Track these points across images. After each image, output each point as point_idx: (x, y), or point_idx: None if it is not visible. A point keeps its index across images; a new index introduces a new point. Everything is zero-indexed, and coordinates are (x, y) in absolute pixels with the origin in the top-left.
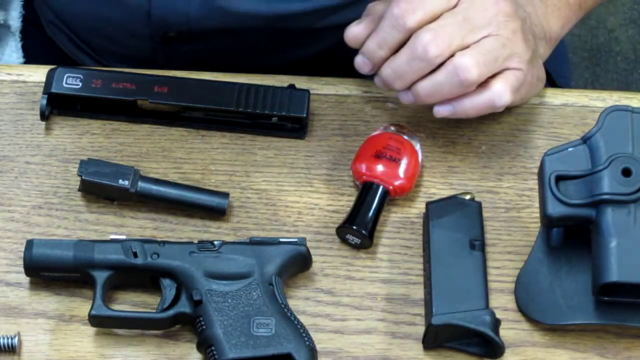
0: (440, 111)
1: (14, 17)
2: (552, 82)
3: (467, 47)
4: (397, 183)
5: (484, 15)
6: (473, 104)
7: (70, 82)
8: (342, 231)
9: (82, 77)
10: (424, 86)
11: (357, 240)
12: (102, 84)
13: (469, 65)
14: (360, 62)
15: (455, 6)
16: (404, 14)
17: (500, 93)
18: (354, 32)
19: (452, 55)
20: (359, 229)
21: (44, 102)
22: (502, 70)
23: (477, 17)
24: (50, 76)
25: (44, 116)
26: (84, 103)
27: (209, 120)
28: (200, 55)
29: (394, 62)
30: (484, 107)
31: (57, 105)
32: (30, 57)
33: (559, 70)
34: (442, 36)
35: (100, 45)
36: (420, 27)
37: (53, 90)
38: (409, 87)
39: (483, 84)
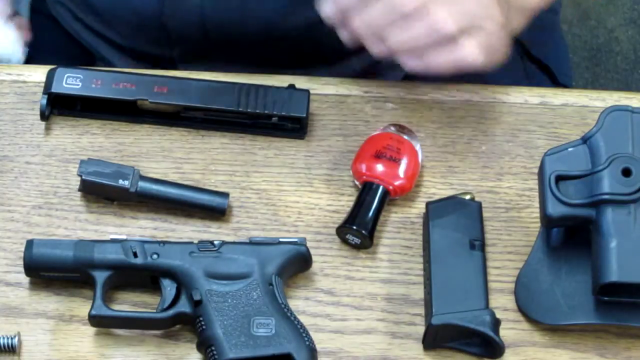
0: (411, 65)
1: (24, 5)
2: (554, 79)
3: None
4: (397, 183)
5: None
6: (446, 60)
7: (70, 82)
8: (342, 231)
9: (82, 77)
10: (399, 40)
11: (357, 240)
12: (102, 84)
13: (445, 17)
14: (329, 10)
15: None
16: None
17: (473, 52)
18: None
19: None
20: (359, 229)
21: (44, 102)
22: (476, 28)
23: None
24: (50, 76)
25: (44, 116)
26: (84, 103)
27: (209, 120)
28: (206, 12)
29: (366, 13)
30: (456, 64)
31: (57, 105)
32: (37, 45)
33: (560, 67)
34: (454, 17)
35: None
36: None
37: (53, 90)
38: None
39: (457, 41)
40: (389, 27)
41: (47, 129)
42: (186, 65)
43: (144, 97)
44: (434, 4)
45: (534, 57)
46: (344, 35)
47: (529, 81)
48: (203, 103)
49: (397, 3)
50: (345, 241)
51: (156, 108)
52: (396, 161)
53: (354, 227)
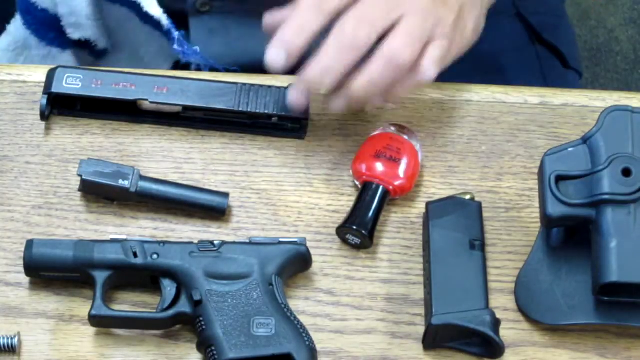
0: (375, 104)
1: None
2: (565, 63)
3: (392, 27)
4: (397, 183)
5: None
6: (403, 88)
7: (70, 82)
8: (342, 231)
9: (82, 77)
10: (359, 81)
11: (357, 240)
12: (102, 84)
13: (402, 47)
14: (274, 56)
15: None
16: None
17: (427, 70)
18: (271, 19)
19: (380, 40)
20: (359, 229)
21: (44, 102)
22: (427, 43)
23: (421, 21)
24: (50, 76)
25: (44, 116)
26: (84, 103)
27: (209, 120)
28: None
29: (321, 57)
30: (413, 87)
31: (57, 105)
32: None
33: (570, 51)
34: (366, 19)
35: None
36: (338, 10)
37: (53, 90)
38: (339, 90)
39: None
40: (344, 66)
41: (47, 129)
42: (198, 19)
43: (144, 97)
44: (386, 38)
45: (545, 41)
46: (298, 87)
47: (541, 64)
48: (203, 103)
49: (348, 38)
50: (345, 241)
51: (156, 108)
52: (396, 161)
53: (354, 227)
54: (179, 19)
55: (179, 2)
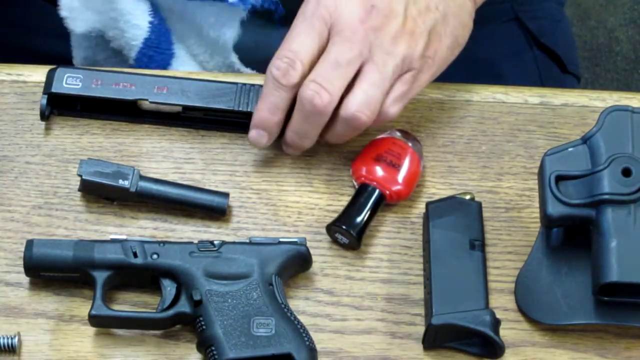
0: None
1: None
2: (563, 67)
3: (352, 82)
4: (394, 188)
5: (354, 44)
6: (373, 127)
7: (70, 82)
8: (332, 229)
9: (82, 77)
10: (330, 137)
11: (345, 240)
12: (102, 84)
13: (359, 113)
14: (256, 136)
15: (327, 40)
16: (284, 74)
17: (388, 110)
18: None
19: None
20: (348, 229)
21: (44, 102)
22: (393, 83)
23: (348, 50)
24: (50, 76)
25: (44, 116)
26: (84, 103)
27: (209, 120)
28: None
29: (293, 126)
30: (376, 125)
31: (57, 105)
32: None
33: (569, 56)
34: (323, 85)
35: None
36: (303, 79)
37: (53, 90)
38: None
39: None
40: (316, 129)
41: (47, 129)
42: None
43: (144, 97)
44: (345, 101)
45: (543, 45)
46: (286, 150)
47: (539, 69)
48: (203, 103)
49: (308, 108)
50: (335, 240)
51: (156, 108)
52: (396, 167)
53: (343, 227)
54: None
55: None
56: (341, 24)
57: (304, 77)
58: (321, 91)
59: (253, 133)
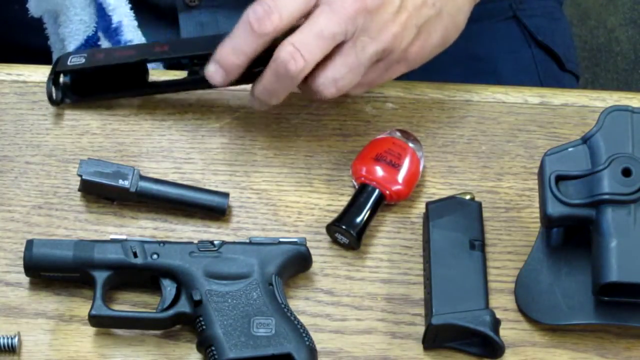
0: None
1: None
2: (561, 65)
3: (328, 57)
4: (394, 188)
5: (342, 19)
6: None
7: (75, 60)
8: (332, 229)
9: (85, 55)
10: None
11: (345, 240)
12: (104, 56)
13: (323, 87)
14: (212, 71)
15: (314, 7)
16: (259, 20)
17: (349, 92)
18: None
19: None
20: (348, 229)
21: (50, 84)
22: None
23: (334, 24)
24: (55, 63)
25: (52, 100)
26: (92, 84)
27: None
28: None
29: (263, 81)
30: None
31: (66, 93)
32: None
33: (567, 55)
34: (301, 52)
35: None
36: (276, 32)
37: (58, 69)
38: None
39: None
40: (285, 90)
41: (47, 129)
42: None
43: (150, 57)
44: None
45: (541, 43)
46: (252, 102)
47: (537, 67)
48: (211, 50)
49: (282, 70)
50: (335, 240)
51: (163, 75)
52: (396, 166)
53: (343, 227)
54: (169, 15)
55: None
56: None
57: (276, 30)
58: (297, 57)
59: (210, 67)
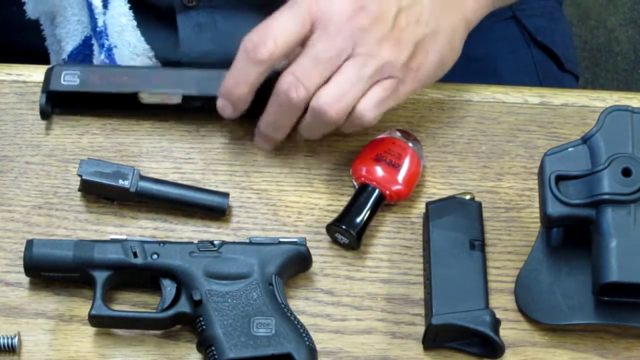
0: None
1: None
2: (560, 65)
3: (328, 80)
4: (394, 188)
5: (337, 41)
6: (345, 129)
7: (68, 79)
8: (332, 229)
9: (79, 73)
10: (302, 130)
11: (345, 240)
12: (100, 79)
13: (327, 106)
14: (220, 105)
15: (311, 33)
16: (255, 47)
17: (364, 114)
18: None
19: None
20: (348, 229)
21: (43, 100)
22: (371, 86)
23: (330, 47)
24: (47, 75)
25: (44, 115)
26: (84, 100)
27: (209, 109)
28: None
29: (266, 115)
30: (354, 129)
31: (57, 104)
32: None
33: (567, 55)
34: (300, 79)
35: None
36: (273, 59)
37: (51, 87)
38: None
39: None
40: (288, 121)
41: (47, 129)
42: (185, 15)
43: (143, 89)
44: (318, 93)
45: (540, 43)
46: (259, 142)
47: (537, 67)
48: (201, 92)
49: (282, 99)
50: (335, 240)
51: (155, 101)
52: (396, 167)
53: (343, 227)
54: (166, 15)
55: None
56: (327, 20)
57: (273, 57)
58: (298, 85)
59: (219, 102)
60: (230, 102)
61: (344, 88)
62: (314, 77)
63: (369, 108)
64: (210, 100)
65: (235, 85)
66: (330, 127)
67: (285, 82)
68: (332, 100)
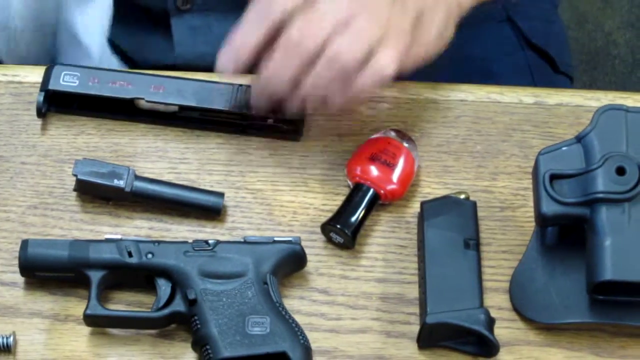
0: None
1: None
2: (555, 68)
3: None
4: (389, 188)
5: (344, 3)
6: (360, 87)
7: (68, 79)
8: (327, 229)
9: (79, 74)
10: (305, 83)
11: (340, 240)
12: (99, 83)
13: (346, 47)
14: (224, 62)
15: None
16: (272, 2)
17: (384, 65)
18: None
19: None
20: (342, 228)
21: (41, 99)
22: (379, 45)
23: (339, 6)
24: (47, 74)
25: (40, 113)
26: (81, 101)
27: (205, 120)
28: None
29: (269, 62)
30: (372, 86)
31: (54, 104)
32: None
33: (561, 56)
34: (313, 24)
35: None
36: (287, 16)
37: (50, 87)
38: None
39: (364, 65)
40: (293, 69)
41: (43, 129)
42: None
43: (141, 96)
44: (331, 39)
45: (534, 45)
46: (255, 89)
47: (531, 69)
48: (199, 103)
49: (294, 41)
50: (329, 239)
51: (152, 107)
52: (390, 166)
53: (338, 226)
54: (161, 18)
55: (160, 1)
56: None
57: (288, 16)
58: (309, 29)
59: (221, 59)
60: (234, 59)
61: (360, 35)
62: (327, 23)
63: (387, 61)
64: (207, 112)
65: (243, 42)
66: (342, 75)
67: (295, 27)
68: (348, 44)
